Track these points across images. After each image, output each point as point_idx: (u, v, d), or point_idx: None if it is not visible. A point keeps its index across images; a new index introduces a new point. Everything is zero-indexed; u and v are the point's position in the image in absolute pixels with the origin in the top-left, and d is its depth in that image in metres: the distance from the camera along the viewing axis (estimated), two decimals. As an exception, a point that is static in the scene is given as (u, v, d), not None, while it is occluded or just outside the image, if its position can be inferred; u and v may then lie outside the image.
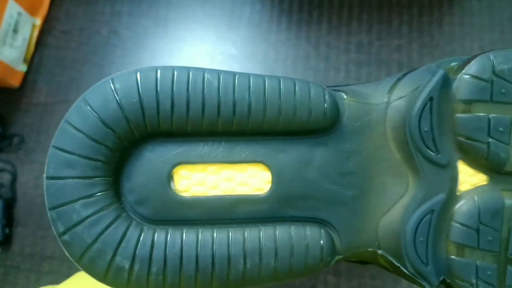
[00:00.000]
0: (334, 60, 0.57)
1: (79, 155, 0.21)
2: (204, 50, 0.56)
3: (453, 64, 0.23)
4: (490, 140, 0.22)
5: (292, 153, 0.22)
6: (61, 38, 0.58)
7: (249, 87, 0.21)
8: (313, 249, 0.21)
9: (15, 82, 0.55)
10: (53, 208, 0.21)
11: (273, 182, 0.22)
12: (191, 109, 0.21)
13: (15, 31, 0.53)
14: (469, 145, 0.22)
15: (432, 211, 0.22)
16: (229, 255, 0.21)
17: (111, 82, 0.21)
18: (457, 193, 0.22)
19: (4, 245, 0.51)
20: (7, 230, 0.51)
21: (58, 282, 0.36)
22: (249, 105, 0.21)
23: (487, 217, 0.22)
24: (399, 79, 0.23)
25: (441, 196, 0.22)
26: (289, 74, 0.56)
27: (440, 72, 0.22)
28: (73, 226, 0.20)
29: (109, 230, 0.21)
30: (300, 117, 0.22)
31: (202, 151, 0.22)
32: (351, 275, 0.50)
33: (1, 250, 0.51)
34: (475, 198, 0.22)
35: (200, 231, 0.21)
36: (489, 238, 0.22)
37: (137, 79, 0.21)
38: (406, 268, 0.22)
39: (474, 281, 0.21)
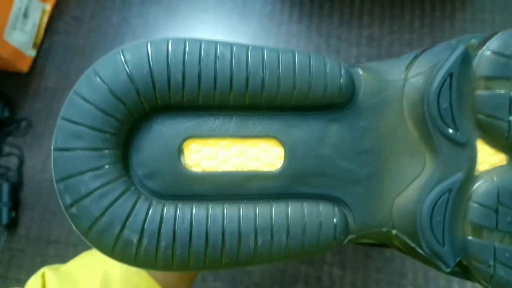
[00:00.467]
0: (345, 53, 0.57)
1: (88, 126, 0.20)
2: (214, 40, 0.56)
3: (473, 41, 0.22)
4: (511, 118, 0.21)
5: (306, 129, 0.22)
6: (71, 24, 0.58)
7: (262, 60, 0.21)
8: (326, 227, 0.21)
9: (24, 66, 0.55)
10: (60, 180, 0.20)
11: (285, 158, 0.22)
12: (202, 82, 0.20)
13: (25, 15, 0.53)
14: (489, 123, 0.21)
15: (449, 190, 0.21)
16: (239, 231, 0.20)
17: (121, 53, 0.21)
18: (476, 173, 0.22)
19: (10, 229, 0.51)
20: (13, 214, 0.51)
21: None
22: (263, 78, 0.21)
23: (507, 198, 0.21)
24: (417, 56, 0.22)
25: (459, 176, 0.21)
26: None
27: (461, 48, 0.21)
28: (81, 199, 0.20)
29: (117, 203, 0.20)
30: (315, 92, 0.21)
31: (214, 125, 0.21)
32: (356, 268, 0.49)
33: (7, 233, 0.51)
34: (494, 179, 0.21)
35: (210, 206, 0.21)
36: (508, 219, 0.21)
37: (147, 51, 0.20)
38: (422, 249, 0.21)
39: (491, 263, 0.21)
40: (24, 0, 0.53)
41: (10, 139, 0.54)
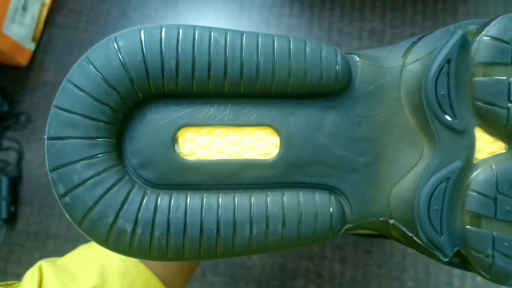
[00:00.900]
0: (346, 47, 0.57)
1: (81, 115, 0.20)
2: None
3: (471, 26, 0.22)
4: (510, 105, 0.20)
5: (302, 117, 0.21)
6: (70, 17, 0.58)
7: (257, 47, 0.20)
8: (322, 216, 0.21)
9: (23, 60, 0.55)
10: (53, 169, 0.20)
11: (281, 146, 0.21)
12: (196, 69, 0.20)
13: (24, 8, 0.53)
14: (487, 110, 0.21)
15: (447, 179, 0.21)
16: (234, 221, 0.20)
17: (114, 40, 0.20)
18: (474, 161, 0.21)
19: (9, 223, 0.51)
20: (12, 208, 0.50)
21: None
22: (258, 65, 0.20)
23: (505, 186, 0.21)
24: (414, 42, 0.22)
25: (457, 164, 0.21)
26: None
27: (459, 33, 0.21)
28: (74, 188, 0.20)
29: (111, 192, 0.20)
30: (310, 79, 0.21)
31: (208, 113, 0.21)
32: (357, 263, 0.49)
33: (6, 228, 0.51)
34: (493, 167, 0.21)
35: (205, 195, 0.20)
36: (507, 208, 0.21)
37: (141, 37, 0.20)
38: (419, 238, 0.21)
39: (490, 252, 0.20)
40: (23, -7, 0.53)
41: (9, 133, 0.54)
